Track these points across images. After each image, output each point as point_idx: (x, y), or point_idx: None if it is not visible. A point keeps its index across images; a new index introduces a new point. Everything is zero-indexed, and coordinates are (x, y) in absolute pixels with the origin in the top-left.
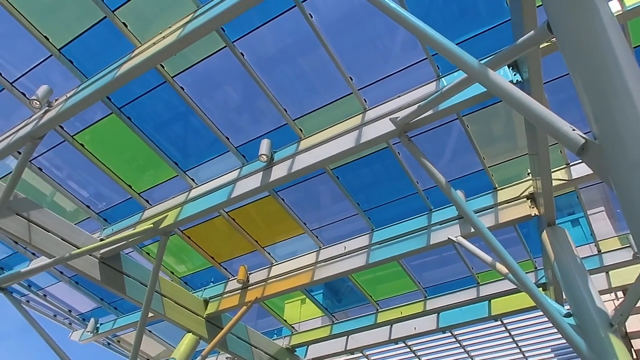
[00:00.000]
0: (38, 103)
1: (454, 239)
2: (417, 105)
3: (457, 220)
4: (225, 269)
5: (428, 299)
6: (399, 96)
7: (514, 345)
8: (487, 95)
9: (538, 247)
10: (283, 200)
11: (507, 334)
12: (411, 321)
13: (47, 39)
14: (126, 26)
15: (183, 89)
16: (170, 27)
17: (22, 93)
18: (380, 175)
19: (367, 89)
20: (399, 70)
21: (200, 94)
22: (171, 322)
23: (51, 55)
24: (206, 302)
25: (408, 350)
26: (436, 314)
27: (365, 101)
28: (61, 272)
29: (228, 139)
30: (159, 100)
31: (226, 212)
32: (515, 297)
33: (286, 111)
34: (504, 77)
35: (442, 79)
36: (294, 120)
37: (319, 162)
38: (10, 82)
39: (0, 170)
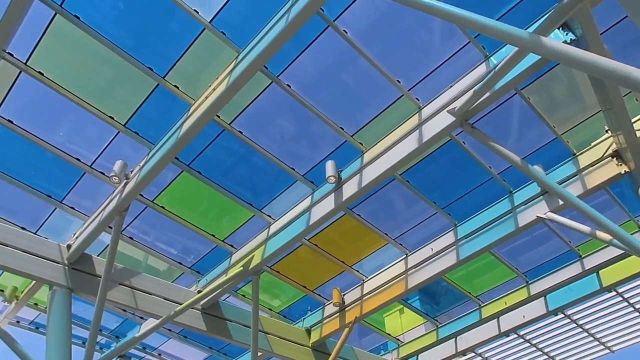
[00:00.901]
0: (117, 178)
1: (544, 216)
2: (472, 90)
3: (542, 196)
4: (319, 295)
5: (530, 283)
6: (451, 86)
7: (637, 313)
8: (542, 62)
9: (636, 205)
10: (359, 215)
11: (626, 303)
12: (518, 310)
13: (112, 118)
14: (178, 88)
15: (241, 133)
16: (217, 78)
17: (101, 173)
18: (450, 168)
19: (416, 87)
20: (444, 61)
21: (257, 133)
22: (280, 357)
23: (119, 132)
24: (308, 331)
25: (522, 340)
26: (543, 297)
27: (418, 99)
28: (169, 330)
29: (293, 169)
30: (220, 148)
31: (307, 240)
32: (626, 263)
33: (342, 129)
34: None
35: (491, 57)
36: (352, 136)
37: (386, 171)
38: (89, 165)
39: (97, 247)
